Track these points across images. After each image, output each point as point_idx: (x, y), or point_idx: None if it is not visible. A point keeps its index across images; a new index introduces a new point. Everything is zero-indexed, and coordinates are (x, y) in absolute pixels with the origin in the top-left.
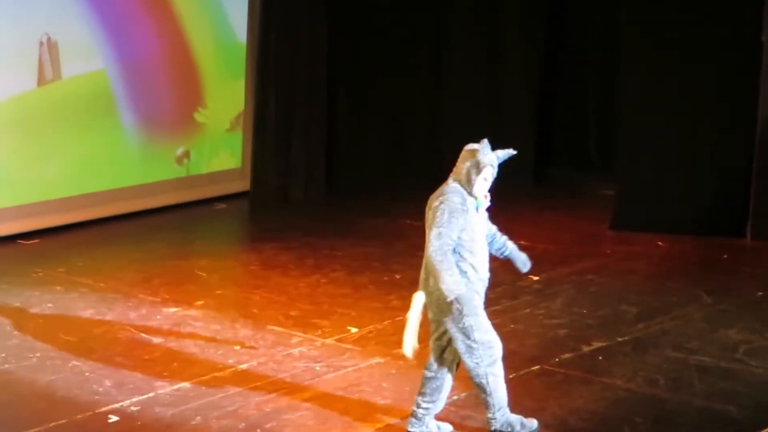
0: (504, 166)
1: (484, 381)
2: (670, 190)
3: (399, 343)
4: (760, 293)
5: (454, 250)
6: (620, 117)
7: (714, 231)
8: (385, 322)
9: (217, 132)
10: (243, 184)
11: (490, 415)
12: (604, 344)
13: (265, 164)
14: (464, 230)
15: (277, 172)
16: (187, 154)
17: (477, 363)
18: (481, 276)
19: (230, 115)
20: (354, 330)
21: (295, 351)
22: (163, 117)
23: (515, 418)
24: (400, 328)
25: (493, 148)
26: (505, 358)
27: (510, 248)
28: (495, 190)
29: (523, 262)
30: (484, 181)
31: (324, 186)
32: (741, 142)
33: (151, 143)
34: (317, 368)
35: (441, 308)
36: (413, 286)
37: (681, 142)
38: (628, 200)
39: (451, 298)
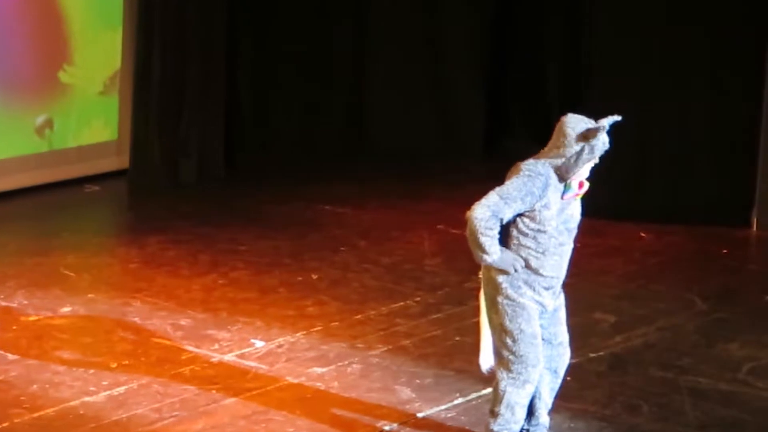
0: (448, 142)
1: (500, 393)
2: (655, 169)
3: (315, 361)
4: None
5: (507, 232)
6: (590, 77)
7: (711, 219)
8: (299, 334)
9: (88, 96)
10: (120, 161)
11: None
12: (574, 361)
13: (148, 137)
14: (532, 218)
15: (164, 147)
16: (49, 124)
17: (501, 370)
18: (538, 277)
19: (104, 75)
20: (259, 344)
21: (186, 370)
22: (18, 77)
23: None
24: (317, 341)
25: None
26: (451, 379)
27: None
28: (437, 170)
29: None
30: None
31: (222, 165)
32: (743, 108)
33: (4, 110)
34: (213, 392)
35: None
36: (333, 289)
37: (668, 109)
38: (604, 181)
39: (486, 263)
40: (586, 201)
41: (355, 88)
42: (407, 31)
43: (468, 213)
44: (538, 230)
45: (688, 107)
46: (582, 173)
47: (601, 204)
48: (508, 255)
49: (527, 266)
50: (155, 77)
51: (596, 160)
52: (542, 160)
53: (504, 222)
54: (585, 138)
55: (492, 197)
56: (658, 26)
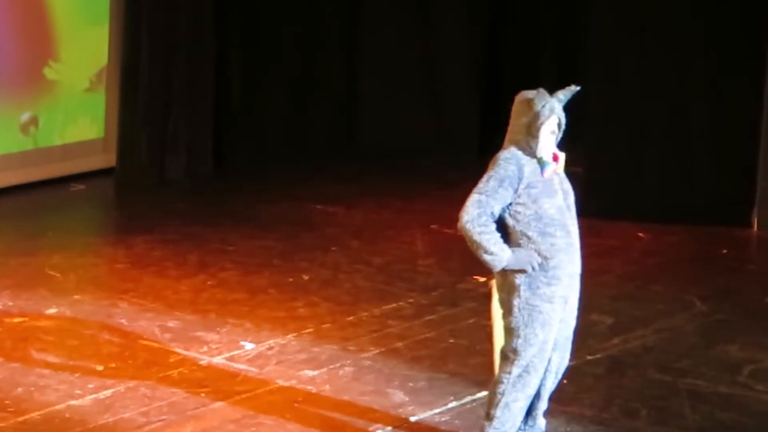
0: (443, 138)
1: (498, 396)
2: (654, 167)
3: (306, 363)
4: None
5: (508, 230)
6: (587, 76)
7: (710, 219)
8: (289, 336)
9: (74, 93)
10: (107, 160)
11: None
12: (571, 364)
13: (135, 134)
14: (523, 204)
15: (151, 145)
16: (34, 121)
17: (503, 373)
18: (557, 268)
19: (90, 72)
20: (249, 346)
21: (174, 373)
22: (2, 73)
23: None
24: (308, 343)
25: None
26: (444, 382)
27: None
28: (431, 168)
29: None
30: (550, 135)
31: (211, 162)
32: (744, 104)
33: None
34: (202, 395)
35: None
36: (324, 290)
37: (668, 105)
38: (600, 180)
39: (501, 266)
40: (584, 200)
41: (348, 85)
42: (401, 28)
43: (458, 224)
44: (536, 214)
45: (687, 105)
46: (548, 145)
47: (598, 203)
48: (522, 253)
49: (543, 258)
50: (143, 74)
51: (556, 131)
52: (503, 150)
53: (496, 216)
54: (528, 107)
55: (472, 198)
56: (657, 25)
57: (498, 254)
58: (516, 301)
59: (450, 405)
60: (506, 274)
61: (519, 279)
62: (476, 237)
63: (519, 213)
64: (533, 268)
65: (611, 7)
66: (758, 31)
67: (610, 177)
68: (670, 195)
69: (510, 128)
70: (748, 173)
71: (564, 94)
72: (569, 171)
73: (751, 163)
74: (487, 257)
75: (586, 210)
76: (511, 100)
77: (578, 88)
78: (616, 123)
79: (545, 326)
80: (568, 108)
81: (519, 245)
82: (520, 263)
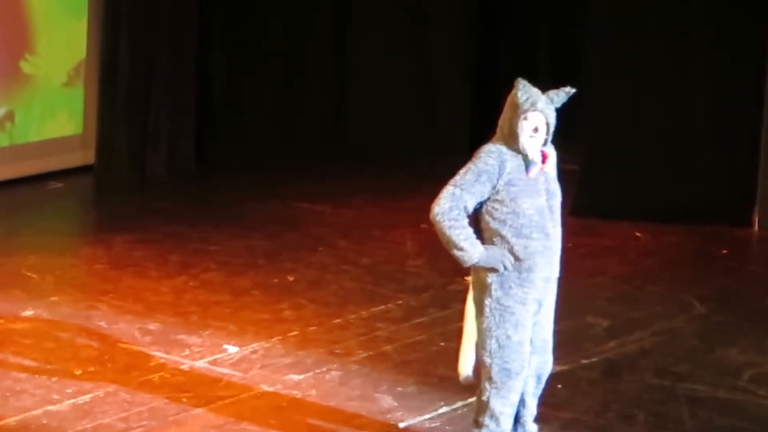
0: (433, 139)
1: (484, 402)
2: (653, 166)
3: (291, 367)
4: None
5: (482, 226)
6: (585, 68)
7: (710, 218)
8: (274, 339)
9: (51, 87)
10: (85, 157)
11: None
12: (565, 368)
13: (114, 130)
14: (501, 201)
15: (131, 141)
16: (10, 117)
17: (485, 380)
18: (531, 271)
19: (68, 65)
20: (233, 350)
21: (155, 377)
22: None
23: None
24: (293, 346)
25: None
26: (434, 387)
27: None
28: (422, 167)
29: None
30: (534, 133)
31: (193, 160)
32: (745, 101)
33: None
34: (184, 400)
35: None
36: (310, 291)
37: (667, 104)
38: (596, 178)
39: (471, 262)
40: (581, 199)
41: (337, 81)
42: (391, 22)
43: (430, 215)
44: (513, 213)
45: (687, 102)
46: (532, 143)
47: (595, 202)
48: (495, 251)
49: (516, 259)
50: (122, 67)
51: (541, 129)
52: (493, 140)
53: (470, 211)
54: (512, 99)
55: (447, 190)
56: (656, 23)
57: (468, 250)
58: (487, 301)
59: (440, 410)
60: (479, 272)
61: (490, 278)
62: (446, 231)
63: (496, 210)
64: (505, 268)
65: (610, 5)
66: (758, 31)
67: (608, 176)
68: (669, 194)
69: (499, 122)
70: (748, 173)
71: (557, 96)
72: (565, 169)
73: (751, 160)
74: (456, 252)
75: (581, 209)
76: (506, 99)
77: (573, 90)
78: (614, 121)
79: (518, 328)
80: (566, 105)
81: (493, 243)
82: (491, 261)
